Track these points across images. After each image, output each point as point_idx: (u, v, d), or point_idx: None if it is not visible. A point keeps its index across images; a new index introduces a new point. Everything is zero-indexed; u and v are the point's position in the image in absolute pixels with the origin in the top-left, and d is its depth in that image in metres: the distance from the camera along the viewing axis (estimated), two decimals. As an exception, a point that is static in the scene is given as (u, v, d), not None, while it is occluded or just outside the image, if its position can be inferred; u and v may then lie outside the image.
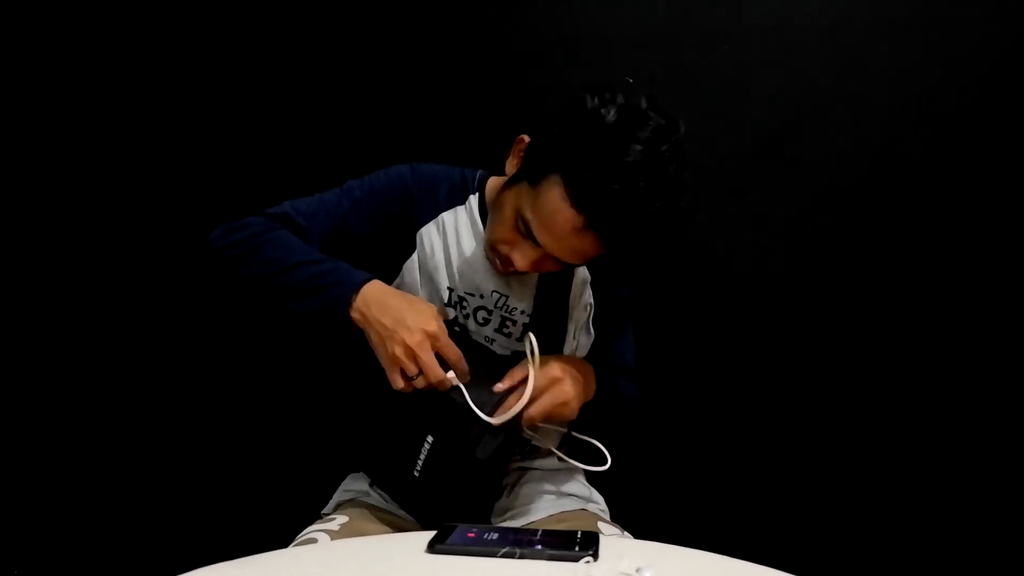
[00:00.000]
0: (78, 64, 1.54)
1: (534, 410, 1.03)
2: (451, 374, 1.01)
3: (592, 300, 1.22)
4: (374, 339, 1.00)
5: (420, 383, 1.00)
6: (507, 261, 1.08)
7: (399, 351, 0.98)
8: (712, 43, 1.50)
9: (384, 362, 1.00)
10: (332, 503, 1.23)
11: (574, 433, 1.14)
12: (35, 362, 1.58)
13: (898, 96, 1.50)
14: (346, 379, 1.13)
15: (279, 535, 1.08)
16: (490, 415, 1.00)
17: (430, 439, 1.03)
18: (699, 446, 1.57)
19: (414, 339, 0.98)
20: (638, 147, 0.96)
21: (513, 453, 1.18)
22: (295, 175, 1.55)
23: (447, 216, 1.17)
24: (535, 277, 1.18)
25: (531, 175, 1.03)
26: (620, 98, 1.00)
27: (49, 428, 1.59)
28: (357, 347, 1.04)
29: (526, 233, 1.04)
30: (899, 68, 1.49)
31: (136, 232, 1.57)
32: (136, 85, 1.55)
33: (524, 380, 1.03)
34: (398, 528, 1.15)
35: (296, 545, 1.06)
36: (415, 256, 1.16)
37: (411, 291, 1.15)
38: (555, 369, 1.06)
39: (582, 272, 1.22)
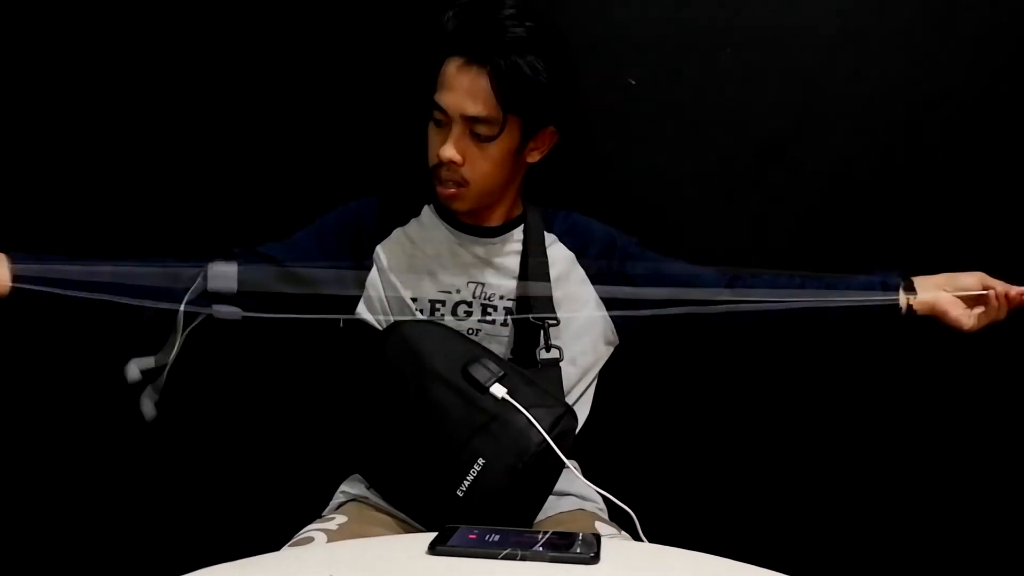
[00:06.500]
0: (68, 66, 1.54)
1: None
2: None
3: (588, 274, 1.25)
4: None
5: None
6: (440, 168, 1.15)
7: None
8: (714, 46, 1.49)
9: None
10: (332, 504, 1.23)
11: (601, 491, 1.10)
12: (36, 361, 1.58)
13: (901, 100, 1.49)
14: (351, 387, 1.13)
15: (279, 537, 1.08)
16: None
17: (481, 461, 1.02)
18: (698, 447, 1.57)
19: None
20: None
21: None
22: (288, 176, 1.56)
23: (401, 231, 1.24)
24: (515, 263, 1.22)
25: (426, 94, 1.17)
26: None
27: (49, 427, 1.58)
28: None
29: (443, 121, 1.14)
30: (903, 71, 1.49)
31: (135, 228, 1.56)
32: (132, 87, 1.55)
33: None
34: (399, 529, 1.16)
35: (292, 544, 1.06)
36: (374, 271, 1.23)
37: (379, 305, 1.22)
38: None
39: (562, 252, 1.25)
